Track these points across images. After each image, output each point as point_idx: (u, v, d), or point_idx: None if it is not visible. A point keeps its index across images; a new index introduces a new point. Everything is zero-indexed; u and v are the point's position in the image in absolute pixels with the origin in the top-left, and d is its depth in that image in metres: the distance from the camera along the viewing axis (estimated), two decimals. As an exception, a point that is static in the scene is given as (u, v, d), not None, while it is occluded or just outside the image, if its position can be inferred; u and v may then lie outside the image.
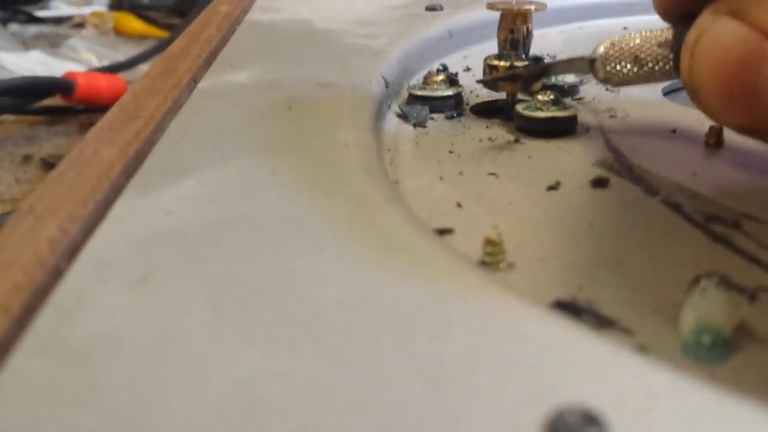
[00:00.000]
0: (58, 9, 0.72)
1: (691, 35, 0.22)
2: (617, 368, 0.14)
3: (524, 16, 0.30)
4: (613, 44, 0.25)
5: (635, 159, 0.26)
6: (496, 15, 0.30)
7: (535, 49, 0.31)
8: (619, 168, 0.25)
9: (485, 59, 0.31)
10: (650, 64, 0.25)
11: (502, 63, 0.30)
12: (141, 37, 0.66)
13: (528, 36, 0.30)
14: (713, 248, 0.21)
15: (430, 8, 0.42)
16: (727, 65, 0.21)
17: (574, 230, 0.22)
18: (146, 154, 0.23)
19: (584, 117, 0.29)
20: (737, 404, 0.13)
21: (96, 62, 0.57)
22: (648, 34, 0.25)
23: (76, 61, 0.57)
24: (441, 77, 0.31)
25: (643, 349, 0.17)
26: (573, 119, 0.28)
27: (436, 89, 0.31)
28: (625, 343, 0.17)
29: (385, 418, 0.13)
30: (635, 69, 0.25)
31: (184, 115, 0.27)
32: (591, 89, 0.32)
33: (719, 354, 0.16)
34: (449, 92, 0.31)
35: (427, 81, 0.31)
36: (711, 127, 0.27)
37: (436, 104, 0.31)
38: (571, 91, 0.32)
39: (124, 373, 0.14)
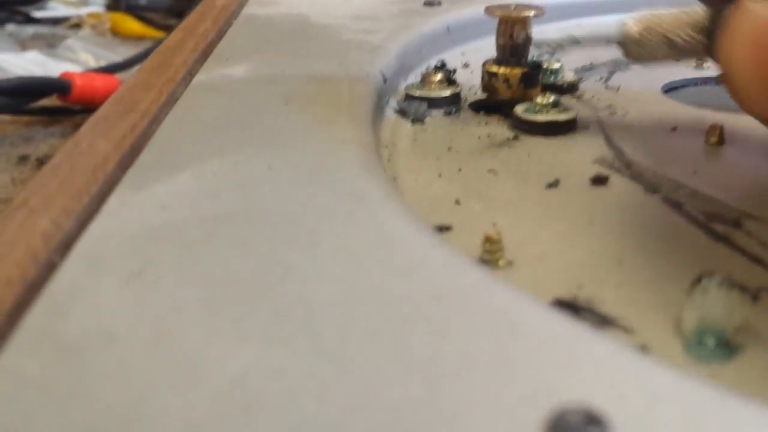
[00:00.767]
0: (55, 9, 0.71)
1: (730, 16, 0.22)
2: (619, 367, 0.14)
3: (523, 23, 0.30)
4: (644, 25, 0.25)
5: (635, 157, 0.26)
6: (494, 12, 0.30)
7: (533, 47, 0.31)
8: (619, 166, 0.25)
9: (484, 64, 0.31)
10: (682, 45, 0.25)
11: (501, 69, 0.30)
12: (138, 38, 0.66)
13: (527, 41, 0.30)
14: (714, 247, 0.20)
15: (429, 3, 0.42)
16: (766, 45, 0.21)
17: (573, 228, 0.22)
18: (141, 147, 0.23)
19: (584, 114, 0.29)
20: (740, 404, 0.13)
21: (93, 63, 0.57)
22: (679, 13, 0.25)
23: (73, 61, 0.57)
24: (438, 77, 0.31)
25: (644, 348, 0.17)
26: (572, 122, 0.28)
27: (434, 89, 0.31)
28: (626, 342, 0.17)
29: (382, 416, 0.13)
30: (666, 49, 0.25)
31: (180, 109, 0.26)
32: (590, 86, 0.32)
33: (722, 354, 0.16)
34: (447, 92, 0.31)
35: (424, 80, 0.31)
36: (712, 126, 0.27)
37: (434, 101, 0.31)
38: (570, 89, 0.32)
39: (117, 369, 0.14)
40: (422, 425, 0.13)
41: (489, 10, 0.30)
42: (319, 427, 0.13)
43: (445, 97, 0.31)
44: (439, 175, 0.25)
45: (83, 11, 0.71)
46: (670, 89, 0.33)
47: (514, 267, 0.20)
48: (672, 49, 0.25)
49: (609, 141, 0.27)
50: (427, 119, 0.30)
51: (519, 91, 0.29)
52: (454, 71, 0.34)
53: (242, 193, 0.20)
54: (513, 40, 0.30)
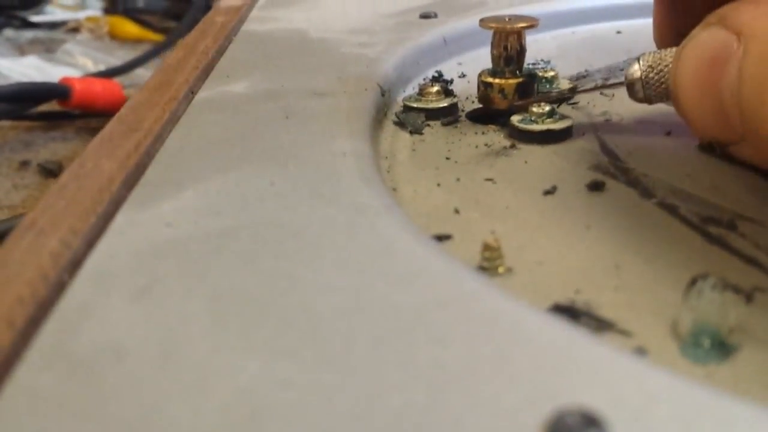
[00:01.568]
0: (53, 14, 0.72)
1: (682, 44, 0.23)
2: (616, 370, 0.14)
3: (518, 35, 0.30)
4: (650, 67, 0.26)
5: (631, 162, 0.26)
6: (489, 22, 0.31)
7: (529, 55, 0.31)
8: (614, 171, 0.26)
9: (479, 75, 0.31)
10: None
11: (496, 80, 0.30)
12: (136, 41, 0.66)
13: (521, 52, 0.30)
14: (709, 249, 0.21)
15: (425, 16, 0.42)
16: (702, 65, 0.22)
17: (571, 234, 0.22)
18: (146, 166, 0.24)
19: (579, 121, 0.30)
20: (736, 405, 0.13)
21: (92, 67, 0.57)
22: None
23: (71, 65, 0.57)
24: (436, 88, 0.31)
25: (641, 350, 0.17)
26: (568, 131, 0.28)
27: (431, 100, 0.31)
28: (623, 345, 0.17)
29: (387, 424, 0.13)
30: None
31: (183, 127, 0.27)
32: (585, 94, 0.32)
33: (717, 355, 0.17)
34: (444, 103, 0.31)
35: (422, 92, 0.32)
36: (705, 129, 0.27)
37: (432, 112, 0.31)
38: (565, 97, 0.32)
39: (128, 383, 0.14)
40: (426, 431, 0.13)
41: (483, 22, 0.30)
42: (325, 434, 0.13)
43: (443, 108, 0.31)
44: (438, 185, 0.26)
45: (81, 15, 0.71)
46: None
47: (514, 273, 0.20)
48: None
49: (604, 147, 0.27)
50: (426, 130, 0.30)
51: (515, 100, 0.30)
52: (451, 82, 0.34)
53: (245, 209, 0.21)
54: (507, 52, 0.30)
